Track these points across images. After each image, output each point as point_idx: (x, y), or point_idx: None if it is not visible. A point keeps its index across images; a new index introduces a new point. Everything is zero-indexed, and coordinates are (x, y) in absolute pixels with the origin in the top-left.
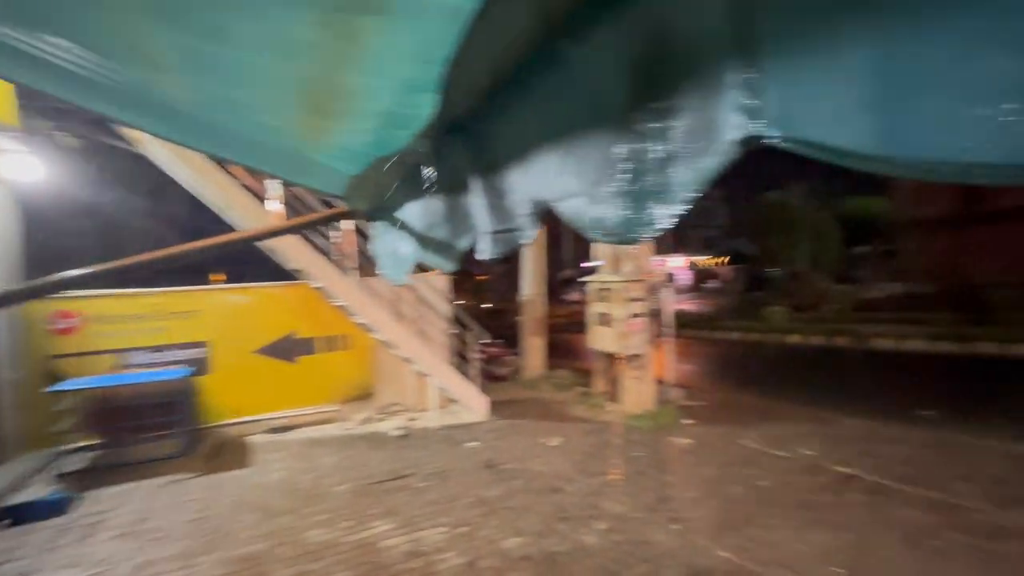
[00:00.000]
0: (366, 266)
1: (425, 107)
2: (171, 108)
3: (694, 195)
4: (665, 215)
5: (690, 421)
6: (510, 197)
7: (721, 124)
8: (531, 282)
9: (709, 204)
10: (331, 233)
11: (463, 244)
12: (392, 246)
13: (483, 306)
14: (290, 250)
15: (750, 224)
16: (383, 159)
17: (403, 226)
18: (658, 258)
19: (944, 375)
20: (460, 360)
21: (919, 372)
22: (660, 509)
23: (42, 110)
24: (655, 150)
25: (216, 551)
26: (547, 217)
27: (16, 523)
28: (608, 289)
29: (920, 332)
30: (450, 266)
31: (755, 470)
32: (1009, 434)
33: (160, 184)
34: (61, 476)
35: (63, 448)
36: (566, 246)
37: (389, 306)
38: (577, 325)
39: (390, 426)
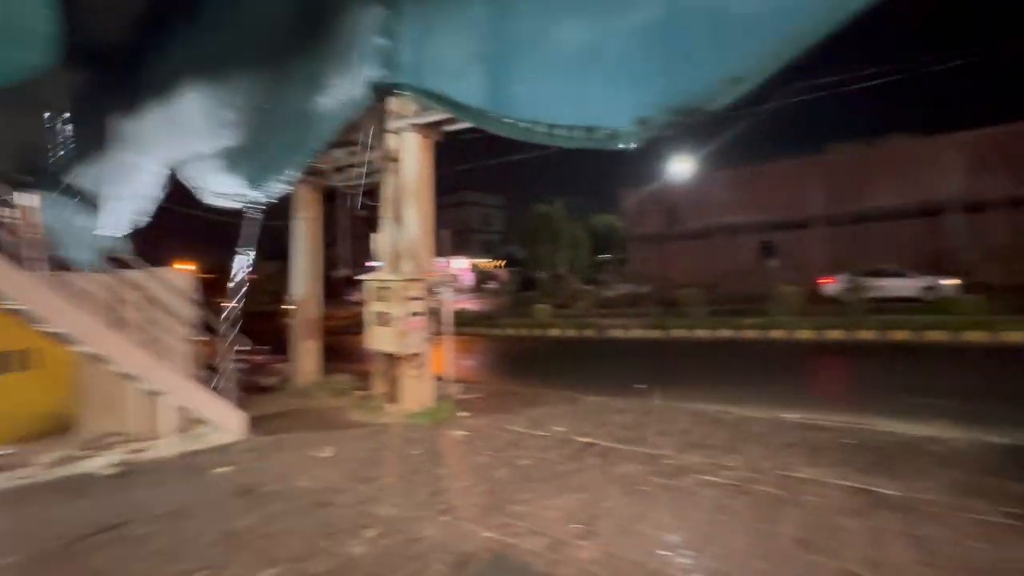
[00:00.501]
0: (63, 255)
1: (44, 21)
2: None
3: (324, 144)
4: (298, 165)
5: (466, 414)
6: (145, 158)
7: (354, 68)
8: (304, 281)
9: (489, 211)
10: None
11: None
12: (66, 220)
13: (255, 308)
14: None
15: (522, 231)
16: (5, 91)
17: (70, 191)
18: (440, 259)
19: (654, 355)
20: (210, 372)
21: (639, 354)
22: (432, 504)
23: None
24: (297, 95)
25: None
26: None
27: None
28: (387, 288)
29: (639, 323)
30: (124, 246)
31: (518, 451)
32: (693, 396)
33: None
34: None
35: None
36: (346, 243)
37: (101, 309)
38: (359, 326)
39: (101, 463)
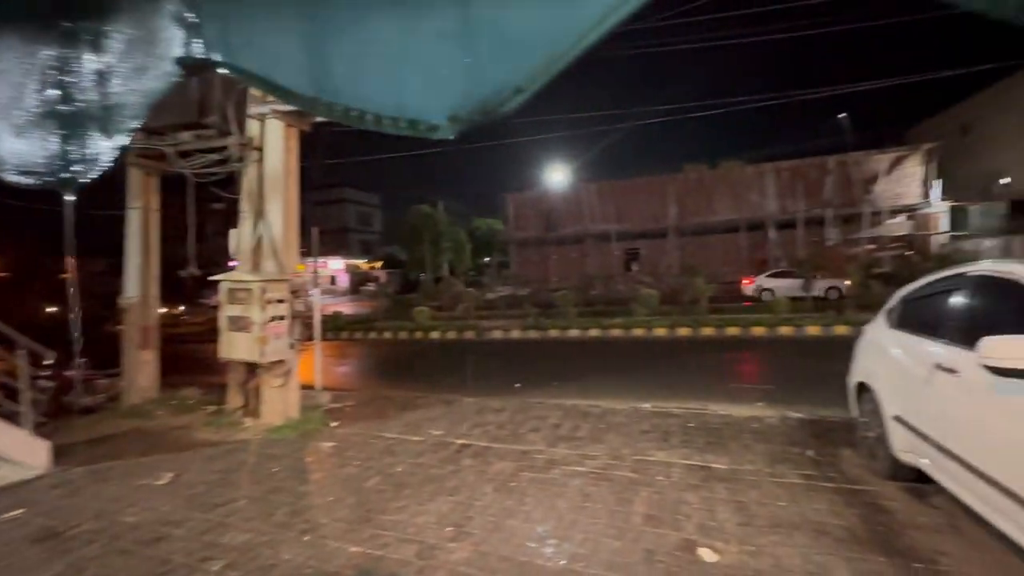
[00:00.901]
0: None
1: None
2: None
3: (136, 123)
4: (108, 147)
5: (336, 423)
6: None
7: (161, 37)
8: (138, 280)
9: (368, 210)
10: None
11: None
12: None
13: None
14: None
15: (403, 232)
16: None
17: None
18: (311, 259)
19: (531, 355)
20: (2, 394)
21: (517, 355)
22: (292, 524)
23: None
24: (92, 61)
25: None
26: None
27: None
28: (245, 289)
29: (518, 325)
30: None
31: (392, 458)
32: (564, 393)
33: None
34: None
35: None
36: (194, 239)
37: None
38: (214, 333)
39: None
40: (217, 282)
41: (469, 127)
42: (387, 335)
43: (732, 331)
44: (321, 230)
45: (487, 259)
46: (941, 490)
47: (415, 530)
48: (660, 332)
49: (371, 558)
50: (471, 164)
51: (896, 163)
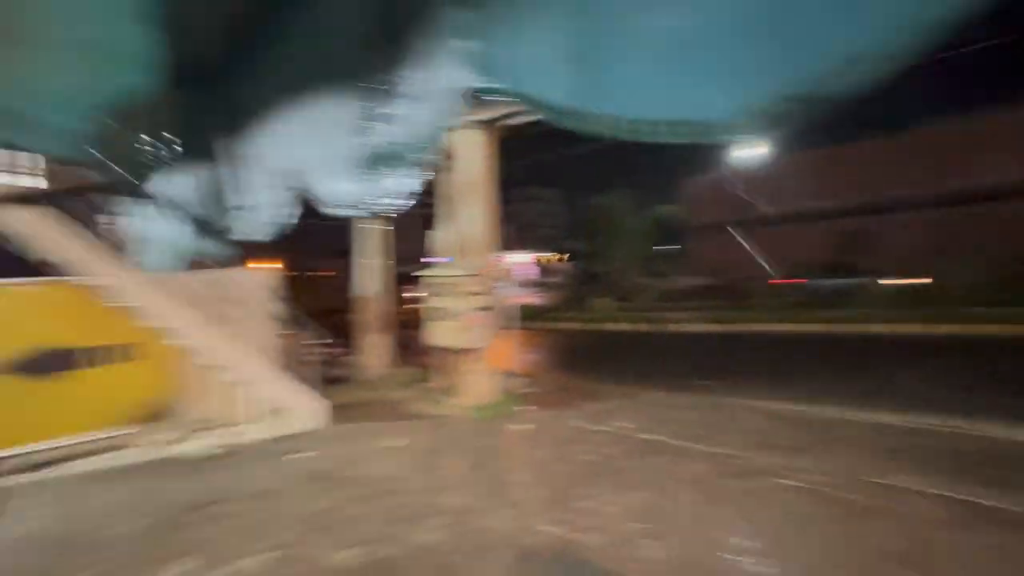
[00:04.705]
0: (132, 253)
1: (142, 41)
2: None
3: (422, 158)
4: (400, 182)
5: (527, 408)
6: (260, 168)
7: (446, 75)
8: (372, 276)
9: (552, 205)
10: (113, 217)
11: (227, 224)
12: (155, 227)
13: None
14: (50, 237)
15: (584, 225)
16: (113, 112)
17: (164, 202)
18: (505, 253)
19: (717, 349)
20: (292, 364)
21: (701, 348)
22: (495, 495)
23: None
24: (385, 107)
25: None
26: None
27: None
28: (448, 283)
29: (701, 317)
30: (220, 249)
31: (579, 446)
32: (762, 395)
33: None
34: None
35: None
36: (410, 238)
37: (197, 305)
38: (417, 321)
39: (198, 446)
40: (419, 277)
41: (774, 122)
42: (570, 325)
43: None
44: (510, 226)
45: (666, 247)
46: None
47: (604, 520)
48: (910, 329)
49: (564, 540)
50: (648, 152)
51: None
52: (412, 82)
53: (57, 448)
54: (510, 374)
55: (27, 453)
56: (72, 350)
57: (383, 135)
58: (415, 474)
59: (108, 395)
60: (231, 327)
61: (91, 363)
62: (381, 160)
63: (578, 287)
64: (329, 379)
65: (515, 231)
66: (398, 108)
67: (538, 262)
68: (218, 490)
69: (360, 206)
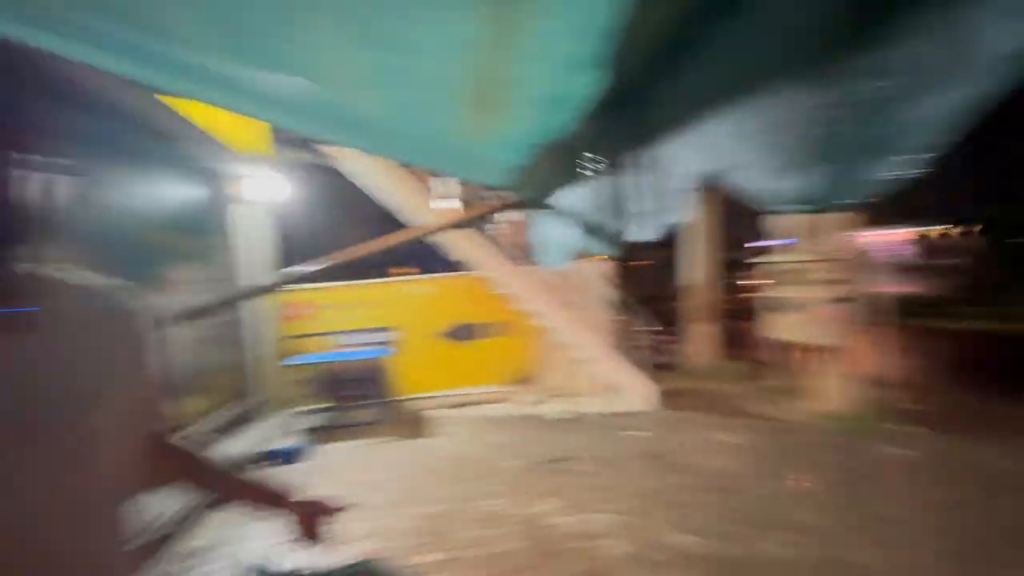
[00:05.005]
0: (531, 255)
1: (585, 86)
2: (363, 120)
3: (935, 142)
4: (887, 172)
5: (906, 427)
6: (671, 173)
7: (977, 38)
8: (699, 264)
9: (942, 160)
10: (498, 224)
11: (623, 227)
12: (553, 233)
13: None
14: (461, 243)
15: (1003, 181)
16: (546, 146)
17: (565, 212)
18: (871, 230)
19: None
20: (625, 347)
21: None
22: (861, 527)
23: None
24: (870, 91)
25: (411, 506)
26: (715, 193)
27: (272, 465)
28: (795, 270)
29: None
30: (610, 250)
31: (1003, 497)
32: None
33: (353, 194)
34: (301, 432)
35: (300, 410)
36: (735, 226)
37: (554, 292)
38: (749, 311)
39: (553, 410)
40: (756, 263)
41: None
42: (975, 324)
43: None
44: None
45: None
46: None
47: None
48: None
49: None
50: None
51: None
52: (905, 58)
53: (464, 395)
54: (880, 381)
55: (450, 396)
56: (475, 324)
57: (867, 122)
58: (756, 477)
59: (496, 360)
60: (575, 311)
61: (486, 335)
62: (844, 153)
63: (988, 272)
64: (657, 365)
65: (890, 199)
66: (875, 92)
67: (920, 238)
68: (570, 448)
69: (815, 200)
